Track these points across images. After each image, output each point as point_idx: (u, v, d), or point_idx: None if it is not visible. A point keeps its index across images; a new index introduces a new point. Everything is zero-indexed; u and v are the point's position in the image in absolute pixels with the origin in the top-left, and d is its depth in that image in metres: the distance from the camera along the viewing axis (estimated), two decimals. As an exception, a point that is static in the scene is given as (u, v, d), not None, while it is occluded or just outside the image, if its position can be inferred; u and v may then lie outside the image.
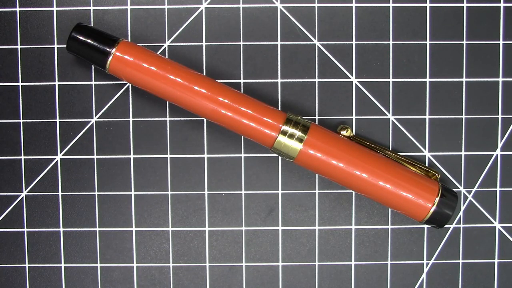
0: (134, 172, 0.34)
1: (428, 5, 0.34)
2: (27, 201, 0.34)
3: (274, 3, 0.34)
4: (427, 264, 0.35)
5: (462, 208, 0.35)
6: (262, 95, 0.34)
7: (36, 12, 0.34)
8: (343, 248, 0.35)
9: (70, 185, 0.34)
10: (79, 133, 0.34)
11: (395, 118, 0.34)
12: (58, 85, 0.34)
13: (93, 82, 0.34)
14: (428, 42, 0.34)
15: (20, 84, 0.34)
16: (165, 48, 0.34)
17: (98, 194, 0.34)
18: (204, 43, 0.34)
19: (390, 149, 0.34)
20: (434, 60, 0.34)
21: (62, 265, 0.35)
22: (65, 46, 0.32)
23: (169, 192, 0.35)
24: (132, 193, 0.34)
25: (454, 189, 0.33)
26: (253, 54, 0.34)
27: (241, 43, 0.34)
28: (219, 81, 0.32)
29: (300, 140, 0.31)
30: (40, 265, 0.35)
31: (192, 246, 0.35)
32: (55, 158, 0.34)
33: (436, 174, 0.33)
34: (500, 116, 0.34)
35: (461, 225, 0.35)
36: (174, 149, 0.34)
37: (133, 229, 0.35)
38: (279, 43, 0.34)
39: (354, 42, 0.34)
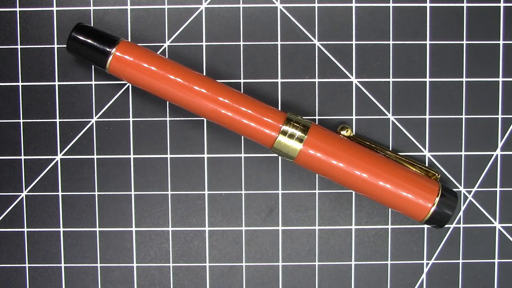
0: (134, 172, 0.34)
1: (428, 5, 0.34)
2: (27, 201, 0.34)
3: (274, 3, 0.34)
4: (427, 264, 0.35)
5: (462, 208, 0.35)
6: (262, 95, 0.34)
7: (36, 12, 0.34)
8: (343, 248, 0.35)
9: (70, 185, 0.34)
10: (79, 133, 0.34)
11: (395, 118, 0.34)
12: (58, 85, 0.34)
13: (93, 82, 0.34)
14: (428, 42, 0.34)
15: (20, 84, 0.34)
16: (165, 48, 0.34)
17: (98, 194, 0.34)
18: (204, 43, 0.34)
19: (390, 149, 0.34)
20: (434, 60, 0.34)
21: (62, 265, 0.35)
22: (65, 46, 0.32)
23: (169, 192, 0.35)
24: (132, 193, 0.34)
25: (454, 189, 0.33)
26: (253, 54, 0.34)
27: (241, 43, 0.34)
28: (219, 81, 0.32)
29: (300, 140, 0.31)
30: (40, 265, 0.35)
31: (192, 246, 0.35)
32: (55, 158, 0.34)
33: (436, 174, 0.33)
34: (500, 116, 0.34)
35: (461, 225, 0.35)
36: (174, 149, 0.34)
37: (133, 229, 0.35)
38: (279, 43, 0.34)
39: (354, 42, 0.34)
